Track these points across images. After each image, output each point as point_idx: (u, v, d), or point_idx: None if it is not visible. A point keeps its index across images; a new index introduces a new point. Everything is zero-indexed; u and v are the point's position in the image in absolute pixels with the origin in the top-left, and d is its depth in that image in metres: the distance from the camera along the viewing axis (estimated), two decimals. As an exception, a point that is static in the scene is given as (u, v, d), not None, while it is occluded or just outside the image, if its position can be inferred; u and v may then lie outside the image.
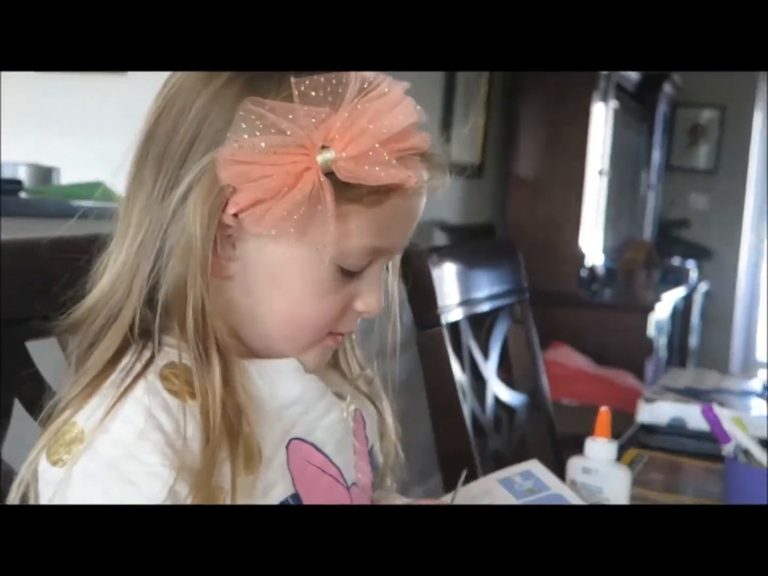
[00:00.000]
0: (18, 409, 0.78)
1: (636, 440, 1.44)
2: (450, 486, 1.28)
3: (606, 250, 4.12)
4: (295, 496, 0.68)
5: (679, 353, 4.59)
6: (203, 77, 0.66)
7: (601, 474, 1.01)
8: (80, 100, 1.97)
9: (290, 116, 0.62)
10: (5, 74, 1.83)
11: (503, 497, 0.95)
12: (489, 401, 1.44)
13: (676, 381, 1.68)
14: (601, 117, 3.81)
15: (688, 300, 4.67)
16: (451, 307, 1.31)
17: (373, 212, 0.66)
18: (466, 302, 1.36)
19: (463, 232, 3.28)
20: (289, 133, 0.62)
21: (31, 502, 0.65)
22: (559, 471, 1.08)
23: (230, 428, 0.64)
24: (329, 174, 0.63)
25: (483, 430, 1.40)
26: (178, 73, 0.68)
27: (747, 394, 1.60)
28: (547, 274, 3.53)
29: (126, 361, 0.66)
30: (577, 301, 3.71)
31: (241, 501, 0.64)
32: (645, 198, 4.77)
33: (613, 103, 3.91)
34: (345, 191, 0.64)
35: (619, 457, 1.05)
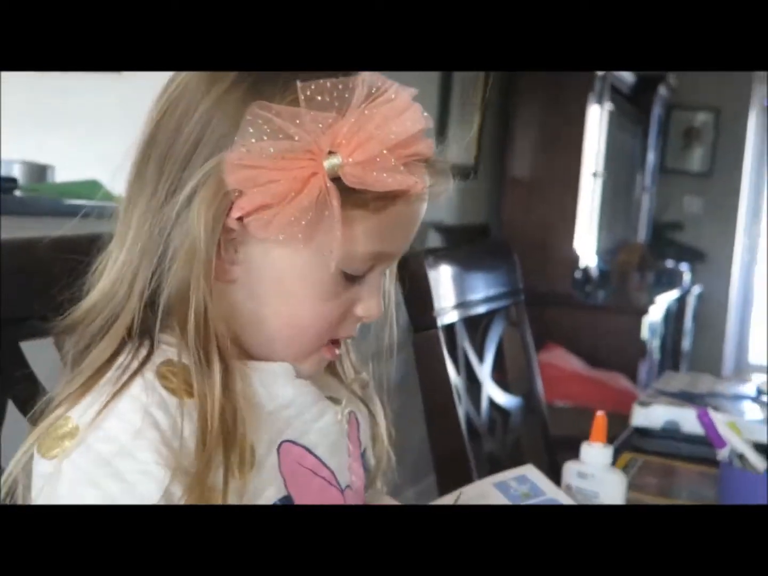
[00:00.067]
0: (11, 410, 0.78)
1: (630, 444, 1.44)
2: (444, 488, 1.28)
3: (600, 252, 4.12)
4: (287, 498, 0.68)
5: (672, 356, 4.60)
6: (206, 80, 0.66)
7: (597, 478, 1.01)
8: (75, 99, 1.96)
9: (297, 121, 0.62)
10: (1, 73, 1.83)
11: (498, 501, 0.94)
12: (484, 403, 1.44)
13: (671, 384, 1.68)
14: (596, 119, 3.81)
15: (681, 302, 4.68)
16: (446, 310, 1.31)
17: (378, 218, 0.66)
18: (461, 304, 1.36)
19: (458, 233, 3.28)
20: (296, 138, 0.62)
21: (19, 497, 0.65)
22: (554, 474, 1.07)
23: (226, 432, 0.64)
24: (335, 179, 0.63)
25: (477, 432, 1.39)
26: (180, 76, 0.68)
27: (740, 398, 1.61)
28: (541, 275, 3.54)
29: (122, 359, 0.65)
30: (571, 303, 3.72)
31: (233, 502, 0.63)
32: (639, 200, 4.77)
33: (608, 105, 3.92)
34: (350, 196, 0.64)
35: (614, 461, 1.04)
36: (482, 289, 1.44)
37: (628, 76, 4.20)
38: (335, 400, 0.75)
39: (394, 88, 0.65)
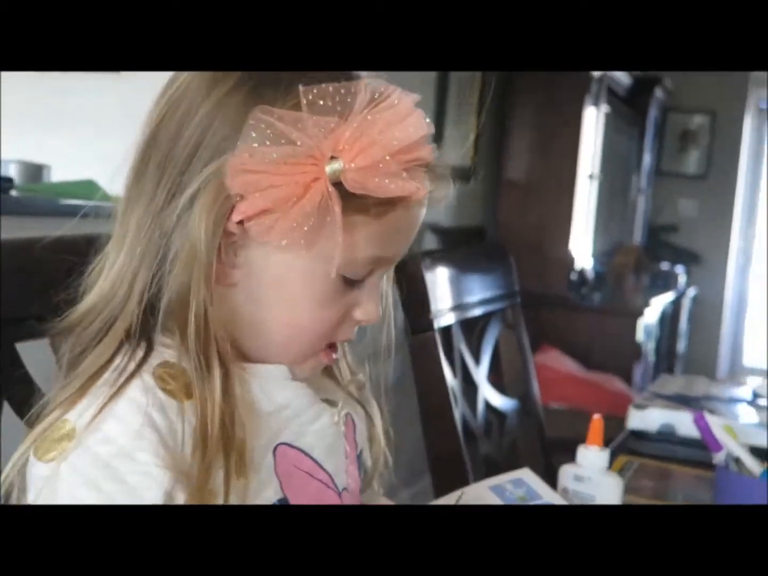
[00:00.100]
0: (8, 411, 0.77)
1: (626, 447, 1.44)
2: (440, 490, 1.28)
3: (595, 254, 4.12)
4: (284, 500, 0.68)
5: (666, 358, 4.60)
6: (207, 83, 0.66)
7: (594, 482, 1.01)
8: (72, 99, 1.96)
9: (299, 125, 0.62)
10: (-2, 71, 1.82)
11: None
12: (480, 406, 1.44)
13: (666, 387, 1.68)
14: (593, 121, 3.81)
15: (676, 305, 4.69)
16: (443, 312, 1.31)
17: (379, 223, 0.66)
18: (458, 306, 1.36)
19: (455, 235, 3.28)
20: (299, 143, 0.62)
21: (13, 501, 0.65)
22: (549, 476, 1.07)
23: (227, 437, 0.64)
24: (336, 184, 0.63)
25: (473, 434, 1.39)
26: (180, 77, 0.67)
27: (736, 401, 1.61)
28: (537, 277, 3.54)
29: (118, 361, 0.65)
30: (567, 305, 3.72)
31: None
32: (635, 202, 4.78)
33: (605, 107, 3.92)
34: (352, 202, 0.63)
35: (610, 464, 1.04)
36: (479, 292, 1.44)
37: (624, 79, 4.20)
38: (331, 403, 0.75)
39: (397, 94, 0.65)
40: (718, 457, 1.11)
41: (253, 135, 0.62)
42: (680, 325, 4.80)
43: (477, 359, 1.46)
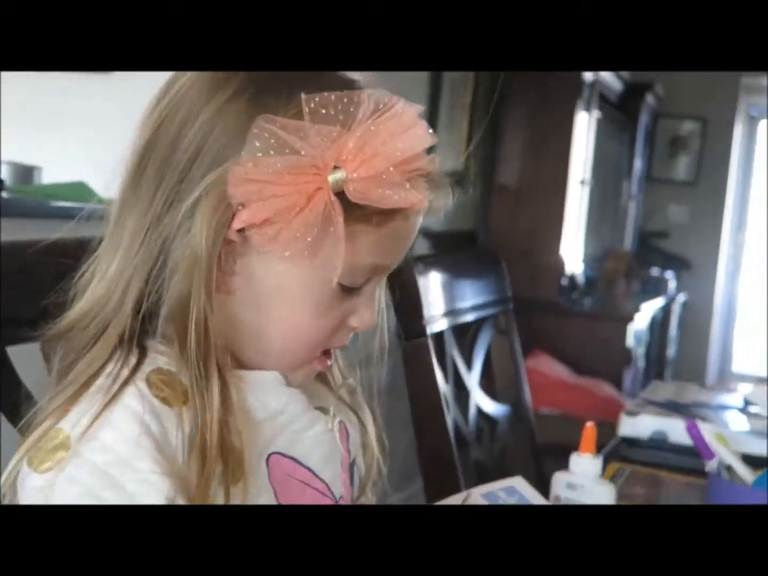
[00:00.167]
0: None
1: (618, 454, 1.44)
2: (431, 495, 1.28)
3: (586, 259, 4.13)
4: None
5: (656, 363, 4.61)
6: (207, 90, 0.65)
7: (586, 490, 1.00)
8: (63, 100, 1.95)
9: (302, 135, 0.62)
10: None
11: (487, 512, 0.94)
12: (471, 411, 1.44)
13: (657, 394, 1.68)
14: (584, 126, 3.82)
15: (666, 310, 4.70)
16: (436, 318, 1.31)
17: (379, 231, 0.66)
18: (450, 312, 1.36)
19: (446, 239, 3.28)
20: (303, 153, 0.62)
21: None
22: (540, 482, 1.07)
23: (224, 445, 0.63)
24: (338, 194, 0.62)
25: (465, 440, 1.39)
26: (178, 82, 0.67)
27: (726, 408, 1.61)
28: (528, 282, 3.54)
29: (111, 367, 0.64)
30: (558, 310, 3.72)
31: None
32: (626, 208, 4.79)
33: (596, 113, 3.93)
34: (353, 211, 0.63)
35: (602, 471, 1.04)
36: (471, 297, 1.44)
37: (615, 84, 4.21)
38: (325, 410, 0.74)
39: (401, 104, 0.64)
40: (711, 465, 1.11)
41: (257, 144, 0.61)
42: (670, 330, 4.81)
43: (469, 365, 1.46)
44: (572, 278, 3.89)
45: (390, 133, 0.63)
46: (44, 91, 1.80)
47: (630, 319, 3.78)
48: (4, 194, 1.64)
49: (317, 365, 0.72)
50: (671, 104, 4.95)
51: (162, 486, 0.60)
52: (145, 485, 0.60)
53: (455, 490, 1.21)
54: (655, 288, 4.57)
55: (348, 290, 0.68)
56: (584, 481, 1.01)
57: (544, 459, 1.58)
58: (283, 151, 0.61)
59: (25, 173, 1.78)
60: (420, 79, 3.06)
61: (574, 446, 1.04)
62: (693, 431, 1.12)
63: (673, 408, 1.54)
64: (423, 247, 3.09)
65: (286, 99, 0.63)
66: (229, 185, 0.62)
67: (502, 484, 0.98)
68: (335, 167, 0.62)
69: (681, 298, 4.95)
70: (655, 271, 4.72)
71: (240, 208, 0.62)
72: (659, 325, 4.60)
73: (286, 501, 0.68)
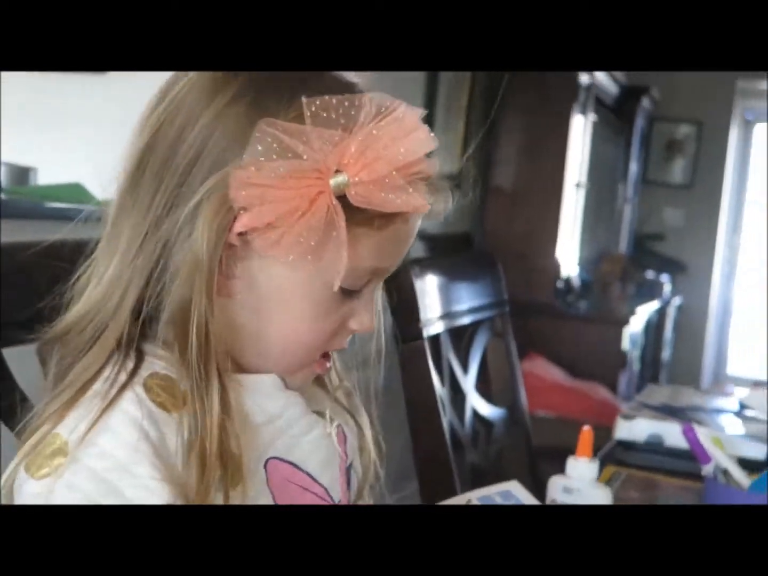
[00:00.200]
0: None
1: (613, 457, 1.43)
2: (427, 498, 1.28)
3: (582, 262, 4.13)
4: None
5: (651, 366, 4.61)
6: (206, 93, 0.65)
7: (583, 494, 1.00)
8: (59, 100, 1.94)
9: (304, 138, 0.61)
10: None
11: (483, 515, 0.94)
12: (467, 414, 1.44)
13: (653, 397, 1.68)
14: (580, 129, 3.82)
15: (661, 313, 4.70)
16: (432, 320, 1.31)
17: (380, 234, 0.66)
18: (447, 315, 1.36)
19: (442, 242, 3.28)
20: (305, 157, 0.61)
21: None
22: (536, 485, 1.07)
23: (224, 451, 0.63)
24: (339, 198, 0.62)
25: (461, 443, 1.39)
26: (177, 85, 0.66)
27: (721, 411, 1.61)
28: (523, 285, 3.54)
29: (108, 371, 0.64)
30: (553, 313, 3.72)
31: None
32: (621, 211, 4.79)
33: (592, 116, 3.93)
34: (354, 215, 0.63)
35: (598, 475, 1.04)
36: (467, 300, 1.44)
37: (611, 88, 4.22)
38: (323, 415, 0.74)
39: (402, 108, 0.64)
40: (707, 469, 1.11)
41: (260, 148, 0.61)
42: (665, 333, 4.81)
43: (465, 368, 1.45)
44: (568, 281, 3.89)
45: (392, 136, 0.63)
46: (40, 91, 1.80)
47: (625, 322, 3.78)
48: (0, 195, 1.63)
49: (317, 368, 0.72)
50: (667, 108, 4.96)
51: (161, 492, 0.60)
52: (144, 491, 0.60)
53: (451, 493, 1.21)
54: (651, 291, 4.57)
55: (348, 293, 0.68)
56: (581, 485, 1.01)
57: (539, 462, 1.58)
58: (285, 155, 0.61)
59: (21, 174, 1.78)
60: (416, 81, 3.06)
61: (569, 449, 1.03)
62: (689, 435, 1.12)
63: (668, 411, 1.54)
64: (419, 250, 3.09)
65: (287, 102, 0.63)
66: (231, 189, 0.61)
67: (498, 488, 0.98)
68: (337, 171, 0.62)
69: (676, 301, 4.96)
70: (650, 274, 4.72)
71: (241, 211, 0.62)
72: (654, 328, 4.60)
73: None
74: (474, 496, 0.97)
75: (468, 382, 1.45)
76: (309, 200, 0.61)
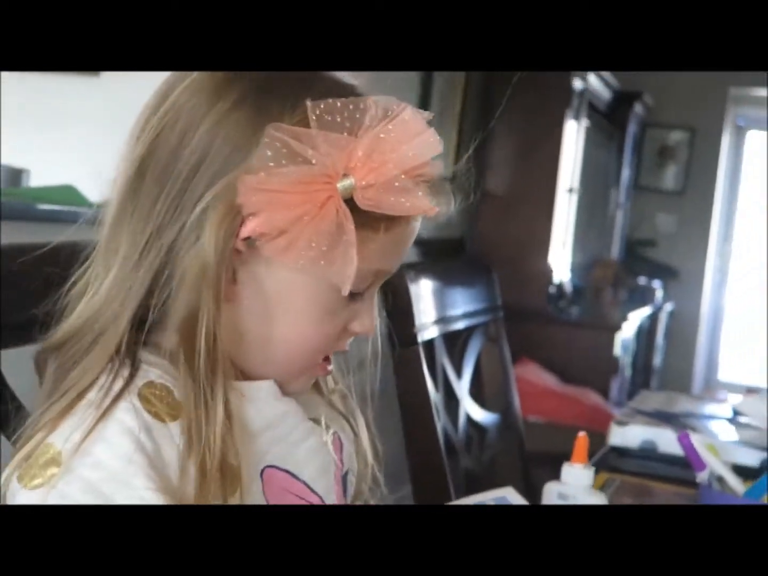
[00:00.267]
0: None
1: (607, 463, 1.43)
2: (421, 501, 1.28)
3: (574, 268, 4.13)
4: None
5: (643, 372, 4.62)
6: (207, 98, 0.64)
7: (578, 500, 1.00)
8: (52, 101, 1.94)
9: (311, 143, 0.61)
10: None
11: (478, 521, 0.93)
12: (461, 420, 1.43)
13: (646, 403, 1.68)
14: (573, 135, 3.83)
15: (653, 319, 4.71)
16: (427, 325, 1.30)
17: (384, 237, 0.66)
18: (441, 320, 1.35)
19: (435, 246, 3.27)
20: (314, 161, 0.61)
21: None
22: (529, 491, 1.07)
23: (224, 461, 0.62)
24: (346, 201, 0.62)
25: (455, 448, 1.39)
26: (175, 91, 0.66)
27: (714, 418, 1.61)
28: (515, 290, 3.53)
29: (103, 379, 0.63)
30: (545, 318, 3.72)
31: None
32: (613, 217, 4.80)
33: (585, 122, 3.94)
34: (360, 218, 0.63)
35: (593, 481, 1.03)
36: (461, 305, 1.44)
37: (604, 93, 4.22)
38: (318, 422, 0.74)
39: (408, 111, 0.64)
40: (702, 476, 1.11)
41: (269, 153, 0.61)
42: (657, 339, 4.82)
43: (459, 373, 1.45)
44: (560, 286, 3.89)
45: (399, 140, 0.62)
46: (35, 92, 1.79)
47: (617, 327, 3.78)
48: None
49: (318, 371, 0.72)
50: (659, 114, 4.97)
51: (156, 502, 0.59)
52: (139, 502, 0.59)
53: (445, 497, 1.20)
54: (642, 297, 4.58)
55: (351, 296, 0.68)
56: (576, 491, 1.00)
57: (532, 467, 1.57)
58: (294, 160, 0.61)
59: (14, 176, 1.77)
60: (410, 85, 3.06)
61: (561, 455, 1.03)
62: (684, 442, 1.11)
63: (662, 418, 1.53)
64: (412, 254, 3.08)
65: (291, 106, 0.63)
66: (240, 194, 0.61)
67: (493, 494, 0.97)
68: (344, 175, 0.62)
69: (668, 307, 4.96)
70: (642, 280, 4.73)
71: (249, 217, 0.62)
72: (646, 334, 4.61)
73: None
74: (469, 502, 0.97)
75: (462, 387, 1.45)
76: (318, 205, 0.61)
